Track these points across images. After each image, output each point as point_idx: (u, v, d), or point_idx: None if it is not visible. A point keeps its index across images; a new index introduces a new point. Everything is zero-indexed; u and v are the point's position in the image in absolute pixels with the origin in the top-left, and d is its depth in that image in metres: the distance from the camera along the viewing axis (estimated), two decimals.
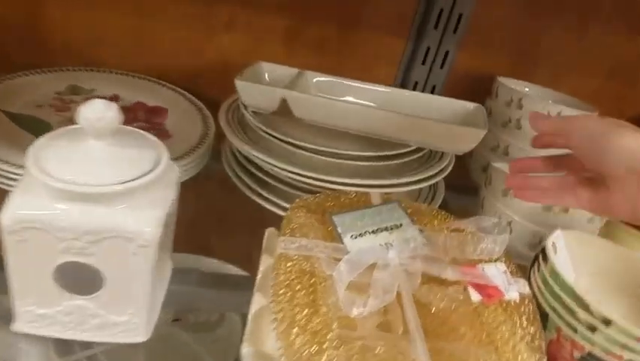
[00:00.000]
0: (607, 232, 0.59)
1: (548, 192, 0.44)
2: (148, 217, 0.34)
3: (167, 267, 0.45)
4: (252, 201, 0.55)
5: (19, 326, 0.37)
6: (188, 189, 0.59)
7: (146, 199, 0.35)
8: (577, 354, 0.40)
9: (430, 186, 0.60)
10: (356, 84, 0.65)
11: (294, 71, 0.64)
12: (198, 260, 0.70)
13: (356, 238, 0.44)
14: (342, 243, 0.44)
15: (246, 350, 0.37)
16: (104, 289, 0.36)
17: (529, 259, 0.47)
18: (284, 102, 0.56)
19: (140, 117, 0.63)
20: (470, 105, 0.62)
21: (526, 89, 0.73)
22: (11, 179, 0.48)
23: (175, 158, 0.56)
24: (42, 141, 0.36)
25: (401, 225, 0.46)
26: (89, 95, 0.66)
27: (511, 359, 0.37)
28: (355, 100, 0.64)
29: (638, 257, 0.49)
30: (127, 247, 0.34)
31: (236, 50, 0.69)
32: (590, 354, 0.39)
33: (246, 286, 0.43)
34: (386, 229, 0.46)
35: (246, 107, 0.57)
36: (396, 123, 0.55)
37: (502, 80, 0.69)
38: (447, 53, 0.73)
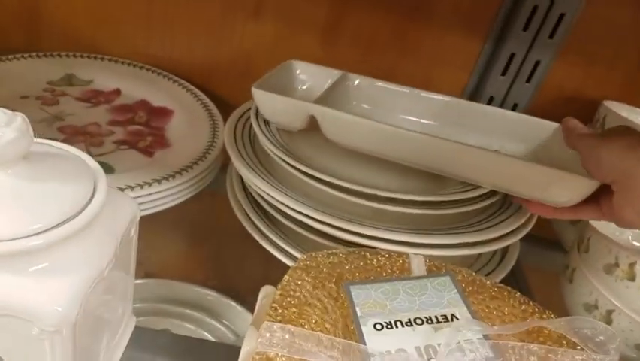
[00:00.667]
0: None
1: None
2: (59, 289, 0.22)
3: (122, 328, 0.32)
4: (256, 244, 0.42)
5: None
6: (188, 208, 0.48)
7: (66, 259, 0.23)
8: None
9: None
10: (414, 92, 0.49)
11: (335, 72, 0.50)
12: (196, 292, 0.59)
13: (382, 329, 0.30)
14: (362, 335, 0.30)
15: None
16: None
17: None
18: (313, 119, 0.42)
19: (139, 120, 0.53)
20: None
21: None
22: None
23: (170, 174, 0.45)
24: None
25: (454, 317, 0.31)
26: (86, 88, 0.55)
27: None
28: (408, 116, 0.49)
29: None
30: (28, 330, 0.22)
31: (263, 42, 0.56)
32: None
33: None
34: (430, 320, 0.31)
35: (261, 122, 0.44)
36: (466, 159, 0.40)
37: (609, 104, 0.53)
38: (537, 63, 0.57)
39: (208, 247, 0.62)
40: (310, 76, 0.50)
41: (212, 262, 0.62)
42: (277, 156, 0.41)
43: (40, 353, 0.24)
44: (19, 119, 0.23)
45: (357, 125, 0.41)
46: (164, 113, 0.54)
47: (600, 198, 0.38)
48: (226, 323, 0.59)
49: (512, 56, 0.57)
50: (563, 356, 0.29)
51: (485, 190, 0.41)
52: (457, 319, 0.31)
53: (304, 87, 0.50)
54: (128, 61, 0.57)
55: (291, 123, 0.43)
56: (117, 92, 0.55)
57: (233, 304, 0.58)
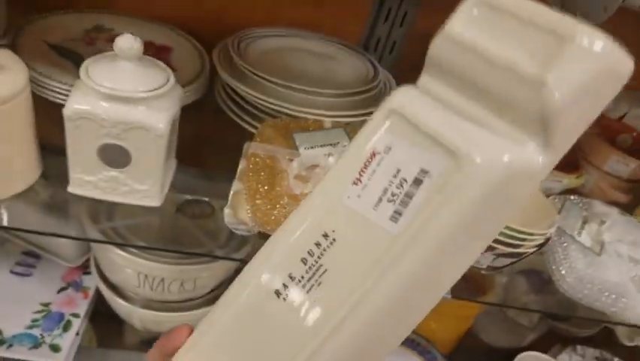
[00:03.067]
0: None
1: None
2: (161, 116, 0.51)
3: (173, 160, 0.62)
4: (237, 125, 0.72)
5: (72, 188, 0.54)
6: (188, 114, 0.76)
7: (160, 104, 0.52)
8: None
9: None
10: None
11: None
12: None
13: (308, 149, 0.62)
14: (298, 151, 0.61)
15: (227, 211, 0.55)
16: (131, 165, 0.53)
17: None
18: None
19: (149, 53, 0.79)
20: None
21: None
22: (56, 92, 0.64)
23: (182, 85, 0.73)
24: (89, 61, 0.52)
25: (342, 143, 0.63)
26: (111, 34, 0.81)
27: None
28: None
29: None
30: (147, 135, 0.51)
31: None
32: None
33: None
34: (331, 144, 0.63)
35: (235, 51, 0.73)
36: None
37: None
38: (406, 12, 0.88)
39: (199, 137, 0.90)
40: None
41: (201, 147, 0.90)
42: (245, 67, 0.70)
43: (151, 149, 0.53)
44: (139, 40, 0.52)
45: None
46: (165, 49, 0.81)
47: None
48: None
49: (390, 9, 0.88)
50: None
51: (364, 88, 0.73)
52: (343, 142, 0.63)
53: None
54: (138, 15, 0.84)
55: None
56: None
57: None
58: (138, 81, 0.50)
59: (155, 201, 0.56)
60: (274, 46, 0.79)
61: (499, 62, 0.25)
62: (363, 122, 0.75)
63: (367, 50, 0.90)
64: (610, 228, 0.78)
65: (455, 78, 0.27)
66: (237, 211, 0.55)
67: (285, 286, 0.28)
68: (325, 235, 0.28)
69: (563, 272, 0.71)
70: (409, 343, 1.01)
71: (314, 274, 0.28)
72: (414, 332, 0.98)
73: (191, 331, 0.30)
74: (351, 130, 0.67)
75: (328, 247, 0.28)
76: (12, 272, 0.89)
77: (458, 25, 0.27)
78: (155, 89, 0.51)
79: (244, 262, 0.61)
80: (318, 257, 0.28)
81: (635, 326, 0.74)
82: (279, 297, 0.28)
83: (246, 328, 0.29)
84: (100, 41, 0.79)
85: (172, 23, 0.84)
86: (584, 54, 0.23)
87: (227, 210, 0.55)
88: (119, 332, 0.96)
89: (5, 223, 0.58)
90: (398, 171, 0.27)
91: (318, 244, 0.28)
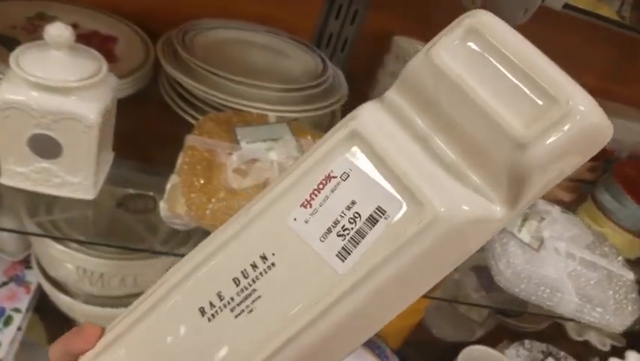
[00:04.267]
0: None
1: None
2: (92, 107, 0.50)
3: (109, 152, 0.61)
4: (181, 118, 0.72)
5: (4, 179, 0.53)
6: (130, 106, 0.74)
7: (91, 94, 0.51)
8: None
9: (332, 114, 0.77)
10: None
11: None
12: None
13: (249, 143, 0.62)
14: (239, 145, 0.61)
15: (162, 205, 0.55)
16: (62, 157, 0.52)
17: None
18: None
19: (94, 43, 0.77)
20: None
21: (419, 48, 0.90)
22: None
23: (120, 76, 0.71)
24: (20, 49, 0.51)
25: (285, 138, 0.64)
26: (54, 22, 0.79)
27: None
28: None
29: None
30: (77, 126, 0.50)
31: None
32: None
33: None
34: (273, 139, 0.63)
35: (180, 42, 0.73)
36: None
37: (397, 40, 0.86)
38: (357, 10, 0.89)
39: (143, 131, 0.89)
40: None
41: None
42: (189, 60, 0.70)
43: (82, 140, 0.52)
44: (70, 28, 0.51)
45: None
46: (110, 39, 0.79)
47: None
48: None
49: (340, 6, 0.89)
50: None
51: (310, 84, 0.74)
52: (286, 138, 0.63)
53: None
54: (81, 4, 0.82)
55: None
56: (75, 25, 0.79)
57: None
58: (69, 70, 0.49)
59: (88, 194, 0.55)
60: (222, 38, 0.79)
61: (482, 108, 0.23)
62: (308, 119, 0.78)
63: (319, 46, 0.90)
64: (550, 225, 0.80)
65: (429, 106, 0.25)
66: (173, 205, 0.55)
67: (211, 305, 0.26)
68: (264, 257, 0.25)
69: (502, 267, 0.73)
70: None
71: (246, 298, 0.25)
72: None
73: (102, 333, 0.29)
74: (296, 126, 0.67)
75: (265, 271, 0.25)
76: None
77: (444, 52, 0.24)
78: (87, 78, 0.50)
79: None
80: (253, 280, 0.25)
81: (570, 319, 0.77)
82: (203, 315, 0.26)
83: (161, 341, 0.26)
84: (42, 29, 0.77)
85: (121, 13, 0.82)
86: (573, 121, 0.22)
87: (162, 204, 0.55)
88: (70, 328, 0.94)
89: None
90: (353, 203, 0.25)
91: (254, 266, 0.25)
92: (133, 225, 0.73)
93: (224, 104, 0.68)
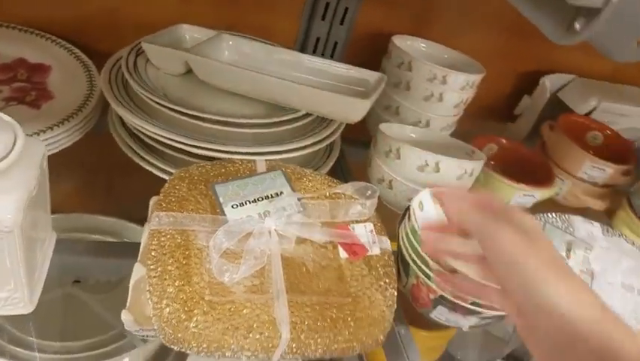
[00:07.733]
0: (484, 183, 0.65)
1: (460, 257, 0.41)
2: (7, 204, 0.34)
3: (47, 240, 0.45)
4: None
5: None
6: (77, 150, 0.58)
7: (5, 185, 0.34)
8: (432, 296, 0.46)
9: (327, 146, 0.62)
10: (266, 47, 0.64)
11: (211, 32, 0.63)
12: (100, 220, 0.70)
13: (237, 207, 0.46)
14: (224, 213, 0.45)
15: (124, 316, 0.39)
16: None
17: None
18: (188, 65, 0.56)
19: (20, 77, 0.60)
20: (371, 74, 0.62)
21: (423, 46, 0.75)
22: None
23: (59, 121, 0.55)
24: None
25: (281, 193, 0.48)
26: None
27: (367, 306, 0.42)
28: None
29: None
30: None
31: None
32: (442, 297, 0.45)
33: (134, 253, 0.44)
34: (267, 197, 0.47)
35: (130, 68, 0.56)
36: (287, 90, 0.56)
37: (396, 40, 0.70)
38: (347, 9, 0.73)
39: (101, 181, 0.72)
40: (195, 35, 0.63)
41: (107, 193, 0.72)
42: (145, 95, 0.52)
43: (2, 248, 0.36)
44: None
45: (216, 68, 0.55)
46: (42, 68, 0.62)
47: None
48: (127, 240, 0.71)
49: (327, 4, 0.73)
50: (345, 202, 0.48)
51: (301, 113, 0.57)
52: (283, 193, 0.48)
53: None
54: (3, 23, 0.63)
55: (173, 69, 0.57)
56: None
57: (132, 224, 0.70)
58: None
59: (24, 308, 0.40)
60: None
61: None
62: (307, 157, 0.61)
63: (304, 51, 0.74)
64: (598, 255, 0.68)
65: None
66: (141, 313, 0.39)
67: None
68: None
69: None
70: None
71: None
72: None
73: None
74: (293, 172, 0.51)
75: None
76: None
77: None
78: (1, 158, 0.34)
79: None
80: None
81: None
82: None
83: None
84: None
85: (50, 31, 0.64)
86: None
87: (125, 316, 0.39)
88: None
89: None
90: None
91: None
92: (91, 306, 0.58)
93: (193, 152, 0.52)
